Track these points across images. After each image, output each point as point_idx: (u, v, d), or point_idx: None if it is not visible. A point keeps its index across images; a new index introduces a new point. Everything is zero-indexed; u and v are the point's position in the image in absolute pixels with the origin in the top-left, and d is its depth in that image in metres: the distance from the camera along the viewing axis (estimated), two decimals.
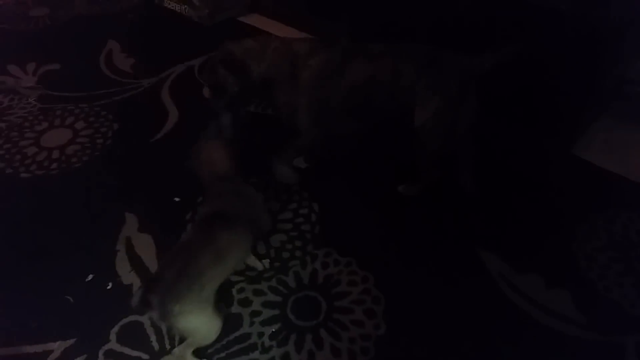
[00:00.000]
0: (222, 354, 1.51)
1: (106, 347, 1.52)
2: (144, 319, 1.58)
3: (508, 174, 2.11)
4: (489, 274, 1.74)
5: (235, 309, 1.63)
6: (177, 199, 1.94)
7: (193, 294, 1.34)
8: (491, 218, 1.93)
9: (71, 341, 1.53)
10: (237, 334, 1.56)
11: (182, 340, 1.50)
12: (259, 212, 1.69)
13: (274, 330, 1.58)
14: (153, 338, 1.54)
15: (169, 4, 3.26)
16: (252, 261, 1.73)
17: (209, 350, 1.51)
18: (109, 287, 1.68)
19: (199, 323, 1.42)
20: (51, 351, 1.51)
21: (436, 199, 2.01)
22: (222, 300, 1.64)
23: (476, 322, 1.61)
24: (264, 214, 1.73)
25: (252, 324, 1.59)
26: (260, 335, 1.56)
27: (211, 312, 1.43)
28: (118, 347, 1.52)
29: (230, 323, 1.58)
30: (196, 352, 1.49)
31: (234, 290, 1.68)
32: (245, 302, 1.65)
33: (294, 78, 1.80)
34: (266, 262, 1.75)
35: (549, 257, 1.80)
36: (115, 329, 1.56)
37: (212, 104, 1.91)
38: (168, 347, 1.52)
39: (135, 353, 1.51)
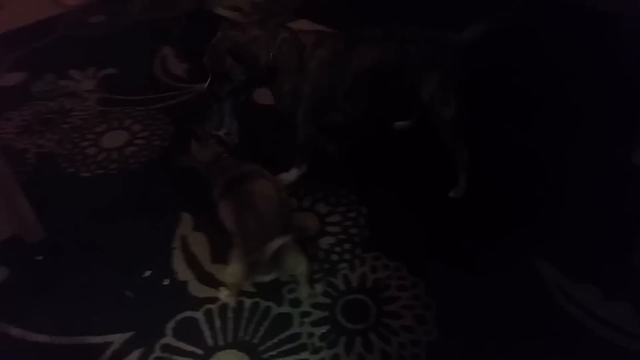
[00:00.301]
0: (274, 352, 1.53)
1: (162, 341, 1.57)
2: (199, 315, 1.63)
3: (566, 182, 2.07)
4: (544, 283, 1.71)
5: (285, 308, 1.66)
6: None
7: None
8: (548, 226, 1.90)
9: (130, 334, 1.59)
10: (287, 333, 1.58)
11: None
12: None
13: (323, 331, 1.59)
14: (207, 334, 1.58)
15: (221, 11, 3.35)
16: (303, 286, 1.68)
17: (261, 348, 1.54)
18: (165, 283, 1.74)
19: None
20: (111, 343, 1.57)
21: (490, 204, 1.99)
22: (270, 299, 1.68)
23: (530, 332, 1.58)
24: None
25: (302, 324, 1.61)
26: (310, 335, 1.58)
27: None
28: (174, 342, 1.57)
29: (281, 322, 1.61)
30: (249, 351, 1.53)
31: (284, 291, 1.71)
32: (296, 303, 1.67)
33: (301, 67, 1.86)
34: (320, 288, 1.72)
35: (607, 268, 1.75)
36: (171, 323, 1.61)
37: (214, 91, 1.94)
38: (221, 342, 1.56)
39: (189, 348, 1.55)
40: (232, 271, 1.58)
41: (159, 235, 1.90)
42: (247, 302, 1.67)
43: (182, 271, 1.77)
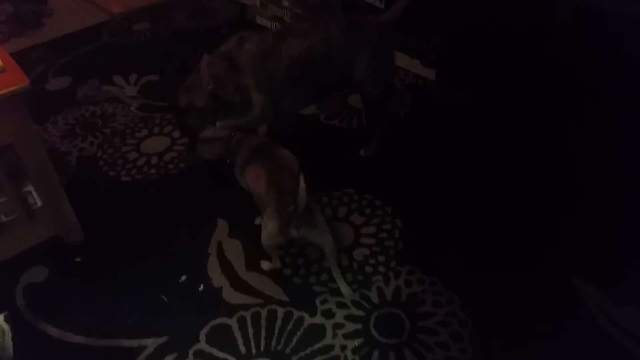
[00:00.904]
0: None
1: (196, 347, 1.58)
2: (232, 322, 1.64)
3: (609, 201, 2.00)
4: (584, 304, 1.65)
5: (318, 319, 1.64)
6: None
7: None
8: (589, 245, 1.83)
9: (164, 339, 1.61)
10: (320, 344, 1.57)
11: None
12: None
13: (356, 344, 1.57)
14: (240, 341, 1.59)
15: (261, 20, 3.39)
16: (340, 281, 1.73)
17: (293, 358, 1.53)
18: (200, 289, 1.75)
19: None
20: (145, 347, 1.59)
21: (528, 221, 1.94)
22: (303, 308, 1.67)
23: (569, 354, 1.52)
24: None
25: (335, 336, 1.60)
26: (343, 348, 1.56)
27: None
28: (207, 348, 1.57)
29: (313, 333, 1.60)
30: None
31: (317, 301, 1.70)
32: (328, 314, 1.66)
33: (236, 68, 1.93)
34: (350, 293, 1.72)
35: None
36: (205, 329, 1.62)
37: (185, 123, 2.07)
38: (254, 351, 1.56)
39: (222, 355, 1.56)
40: (270, 230, 1.62)
41: (195, 241, 1.92)
42: (280, 311, 1.67)
43: (217, 277, 1.78)
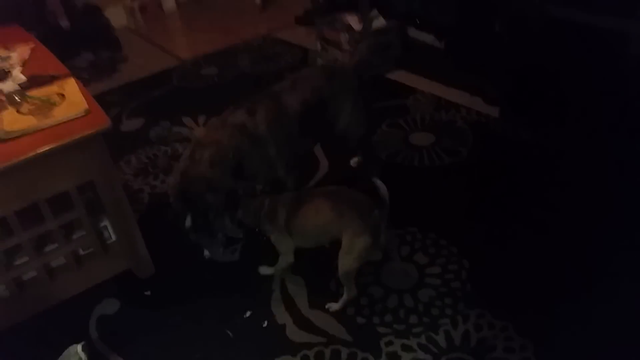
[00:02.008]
0: None
1: None
2: None
3: None
4: None
5: None
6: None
7: None
8: None
9: None
10: None
11: None
12: None
13: None
14: None
15: (322, 63, 3.49)
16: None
17: None
18: (264, 325, 1.75)
19: None
20: None
21: (601, 262, 1.84)
22: (367, 349, 1.63)
23: None
24: None
25: None
26: None
27: None
28: None
29: None
30: None
31: (382, 343, 1.66)
32: (394, 357, 1.61)
33: (256, 139, 1.86)
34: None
35: None
36: None
37: (202, 228, 1.88)
38: None
39: None
40: (362, 246, 1.63)
41: (259, 276, 1.94)
42: (344, 351, 1.64)
43: (280, 314, 1.78)
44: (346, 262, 1.66)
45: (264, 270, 1.92)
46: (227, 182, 1.79)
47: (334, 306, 1.77)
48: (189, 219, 1.82)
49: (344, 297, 1.76)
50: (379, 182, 1.63)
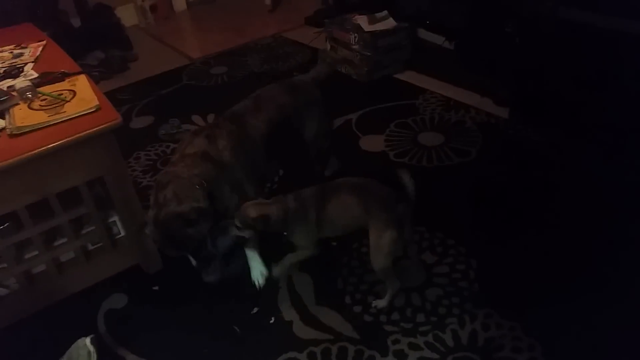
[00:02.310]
0: None
1: None
2: (302, 357, 1.62)
3: None
4: None
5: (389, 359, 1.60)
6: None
7: None
8: None
9: None
10: None
11: None
12: None
13: None
14: None
15: (331, 62, 3.49)
16: None
17: None
18: (271, 321, 1.76)
19: None
20: None
21: (611, 263, 1.82)
22: (374, 347, 1.63)
23: None
24: None
25: None
26: None
27: None
28: None
29: None
30: None
31: (388, 341, 1.65)
32: (401, 355, 1.61)
33: (222, 166, 1.71)
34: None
35: None
36: None
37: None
38: None
39: None
40: (388, 240, 1.61)
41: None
42: (351, 349, 1.64)
43: (287, 310, 1.78)
44: (378, 259, 1.65)
45: (277, 271, 1.88)
46: (202, 210, 1.59)
47: (380, 303, 1.76)
48: (191, 260, 1.70)
49: (388, 292, 1.75)
50: (406, 176, 1.62)
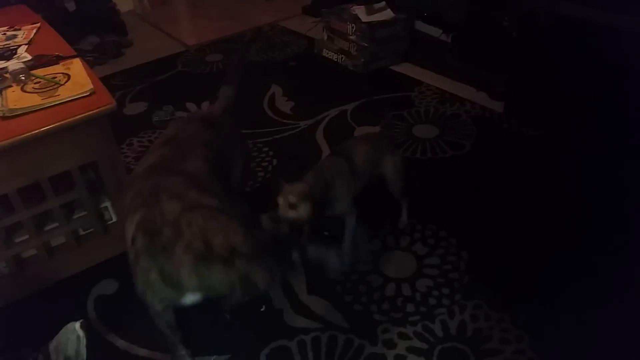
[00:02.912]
0: None
1: None
2: (292, 345, 1.63)
3: None
4: None
5: (379, 349, 1.61)
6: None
7: None
8: None
9: (225, 357, 1.62)
10: None
11: None
12: None
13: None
14: None
15: (327, 53, 3.48)
16: None
17: None
18: (262, 309, 1.76)
19: None
20: None
21: (601, 255, 1.84)
22: (364, 336, 1.64)
23: None
24: None
25: None
26: None
27: None
28: None
29: None
30: None
31: (378, 330, 1.66)
32: (390, 344, 1.62)
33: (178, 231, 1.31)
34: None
35: None
36: (266, 350, 1.62)
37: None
38: None
39: None
40: (400, 160, 1.95)
41: None
42: (341, 337, 1.65)
43: (278, 299, 1.79)
44: (400, 182, 1.95)
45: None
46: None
47: (403, 220, 2.06)
48: (295, 254, 1.46)
49: (405, 207, 2.05)
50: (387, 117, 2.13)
